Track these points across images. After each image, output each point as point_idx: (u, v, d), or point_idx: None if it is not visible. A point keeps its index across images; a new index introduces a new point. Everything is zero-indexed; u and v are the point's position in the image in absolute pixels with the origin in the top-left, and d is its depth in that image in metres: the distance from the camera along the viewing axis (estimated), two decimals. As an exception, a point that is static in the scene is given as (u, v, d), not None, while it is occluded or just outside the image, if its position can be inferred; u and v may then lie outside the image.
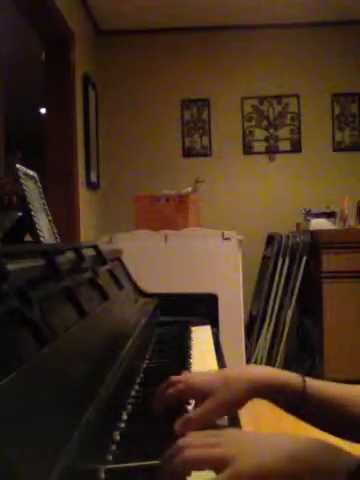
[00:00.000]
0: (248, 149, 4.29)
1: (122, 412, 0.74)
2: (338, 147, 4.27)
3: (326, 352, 3.32)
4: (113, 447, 0.63)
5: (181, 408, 0.73)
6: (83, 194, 3.58)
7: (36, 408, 0.49)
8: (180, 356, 1.10)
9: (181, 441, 0.57)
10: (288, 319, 3.58)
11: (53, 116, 3.40)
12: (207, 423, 0.66)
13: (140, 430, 0.70)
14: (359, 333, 3.31)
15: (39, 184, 1.29)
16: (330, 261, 3.35)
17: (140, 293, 1.51)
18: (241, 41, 4.27)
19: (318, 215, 3.77)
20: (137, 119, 4.26)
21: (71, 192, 3.37)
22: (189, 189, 3.06)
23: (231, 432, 0.62)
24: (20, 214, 1.17)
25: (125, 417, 0.73)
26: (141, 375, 0.95)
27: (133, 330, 1.03)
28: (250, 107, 4.29)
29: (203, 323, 1.48)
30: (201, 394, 0.68)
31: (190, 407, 0.74)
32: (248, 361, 3.40)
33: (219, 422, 0.69)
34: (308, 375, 0.71)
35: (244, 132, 4.28)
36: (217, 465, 0.53)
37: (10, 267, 0.63)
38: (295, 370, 0.74)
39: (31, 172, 1.25)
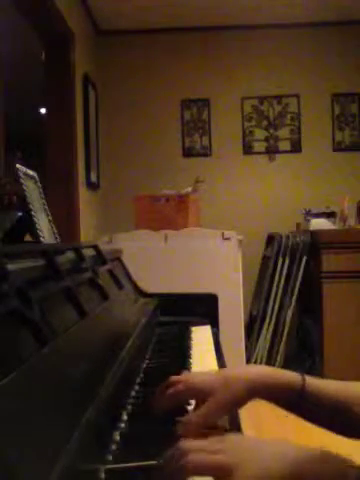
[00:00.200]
0: (248, 149, 4.29)
1: (122, 412, 0.74)
2: (338, 147, 4.27)
3: (326, 352, 3.32)
4: (113, 447, 0.63)
5: (181, 408, 0.73)
6: (83, 194, 3.58)
7: (36, 408, 0.49)
8: (180, 356, 1.10)
9: (183, 444, 0.56)
10: (288, 319, 3.58)
11: (53, 116, 3.39)
12: (208, 423, 0.66)
13: (140, 430, 0.70)
14: (359, 333, 3.31)
15: (39, 184, 1.29)
16: (330, 261, 3.35)
17: (140, 293, 1.51)
18: (241, 41, 4.27)
19: (318, 215, 3.77)
20: (137, 119, 4.26)
21: (71, 192, 3.37)
22: (189, 189, 3.05)
23: (233, 438, 0.61)
24: (20, 214, 1.17)
25: (125, 417, 0.73)
26: (141, 375, 0.95)
27: (133, 330, 1.03)
28: (250, 107, 4.29)
29: (203, 323, 1.48)
30: (201, 394, 0.68)
31: (190, 407, 0.74)
32: (248, 361, 3.40)
33: (219, 422, 0.69)
34: (308, 375, 0.70)
35: (244, 132, 4.28)
36: (219, 473, 0.53)
37: (10, 267, 0.63)
38: (295, 370, 0.74)
39: (31, 172, 1.25)
